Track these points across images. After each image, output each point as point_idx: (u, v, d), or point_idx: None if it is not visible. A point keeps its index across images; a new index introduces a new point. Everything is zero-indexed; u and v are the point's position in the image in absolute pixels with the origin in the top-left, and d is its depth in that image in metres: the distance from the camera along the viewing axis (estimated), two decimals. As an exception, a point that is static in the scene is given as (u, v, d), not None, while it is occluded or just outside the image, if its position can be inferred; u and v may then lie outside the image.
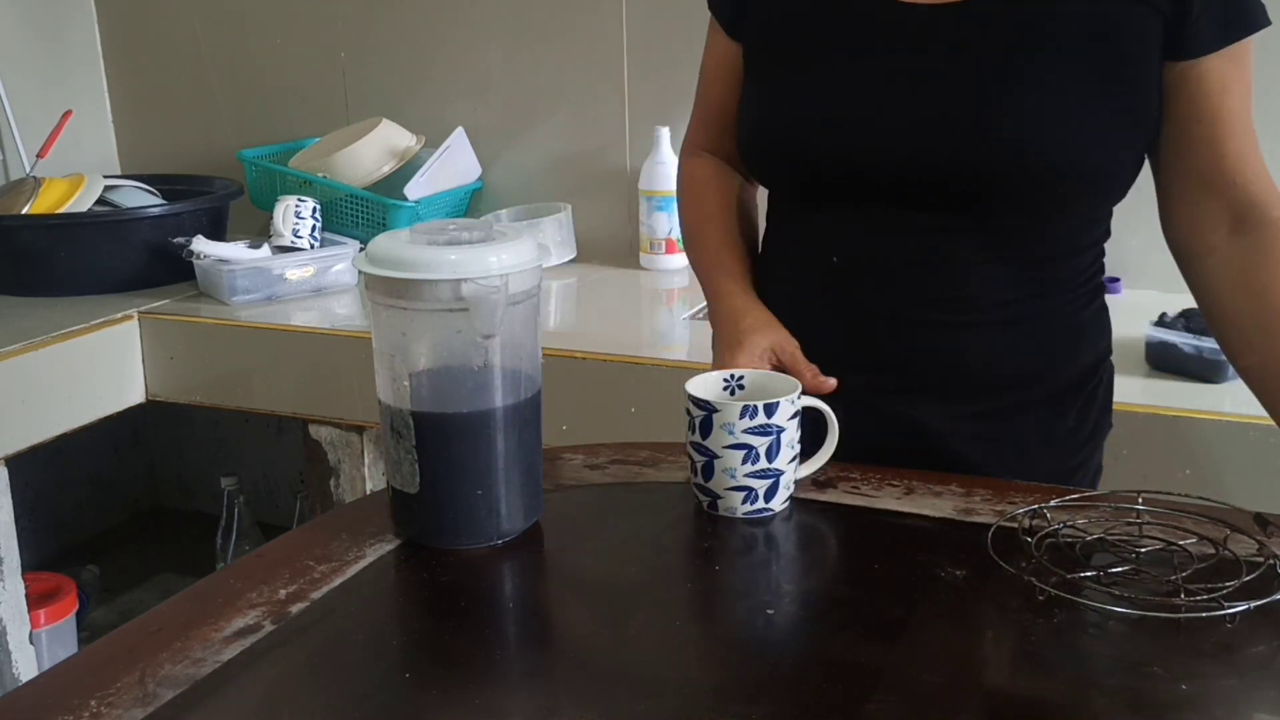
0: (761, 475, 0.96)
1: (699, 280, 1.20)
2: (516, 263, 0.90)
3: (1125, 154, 1.04)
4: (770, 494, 0.97)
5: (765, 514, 0.98)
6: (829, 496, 1.01)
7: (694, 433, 0.97)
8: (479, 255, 0.89)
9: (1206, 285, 1.07)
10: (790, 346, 1.07)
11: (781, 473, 0.97)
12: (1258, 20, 1.01)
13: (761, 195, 1.23)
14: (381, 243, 0.92)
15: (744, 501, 0.97)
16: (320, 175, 2.33)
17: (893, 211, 1.04)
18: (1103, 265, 1.13)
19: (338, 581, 0.89)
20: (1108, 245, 1.14)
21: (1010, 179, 1.00)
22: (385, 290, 0.91)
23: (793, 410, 0.96)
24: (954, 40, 1.02)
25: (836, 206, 1.08)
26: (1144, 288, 1.93)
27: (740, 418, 0.95)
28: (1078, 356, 1.11)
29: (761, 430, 0.95)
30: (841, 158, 1.05)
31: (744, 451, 0.96)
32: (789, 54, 1.09)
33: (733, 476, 0.97)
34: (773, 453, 0.96)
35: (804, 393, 0.98)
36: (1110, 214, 1.10)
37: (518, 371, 0.94)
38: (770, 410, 0.95)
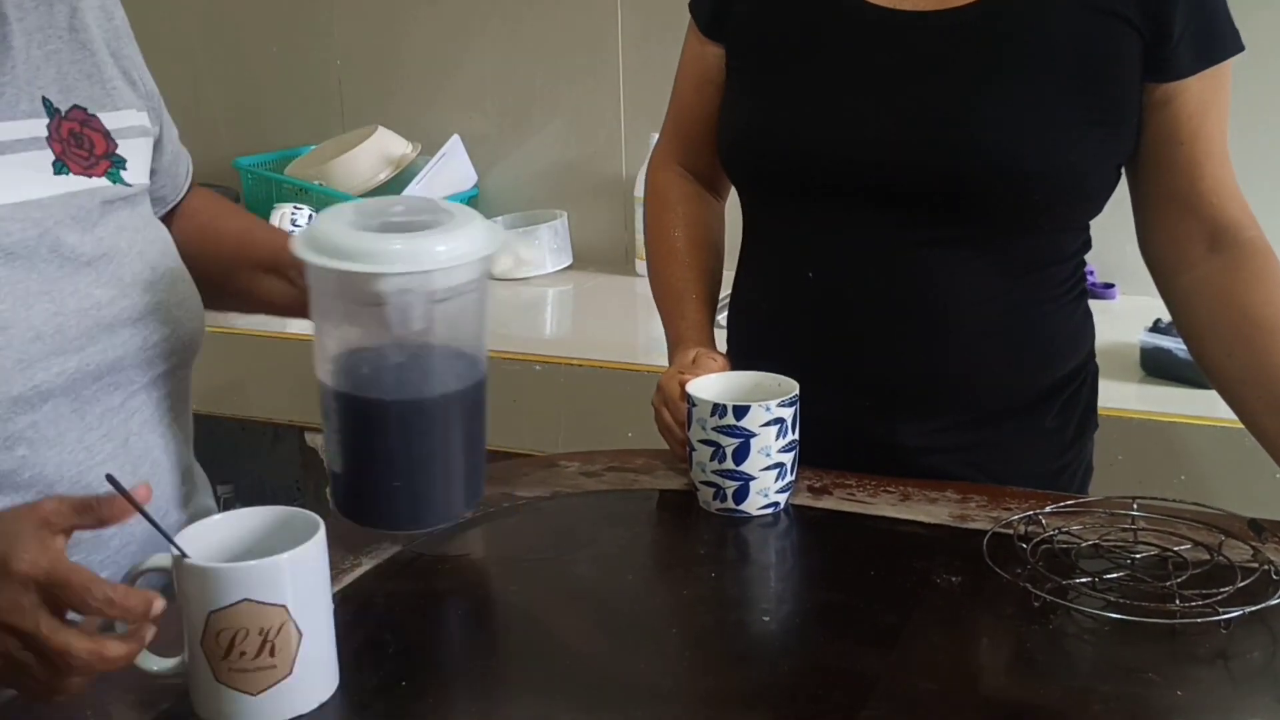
0: (729, 475, 0.97)
1: (660, 314, 1.19)
2: (447, 256, 0.82)
3: (1102, 168, 1.05)
4: (740, 496, 0.98)
5: (738, 515, 0.98)
6: (825, 503, 1.01)
7: (688, 424, 1.00)
8: (409, 246, 0.81)
9: (1183, 298, 1.09)
10: (714, 362, 1.07)
11: (751, 477, 0.97)
12: (1233, 45, 1.04)
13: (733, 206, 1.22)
14: (320, 223, 0.85)
15: (714, 498, 0.99)
16: (316, 183, 2.33)
17: (874, 223, 1.04)
18: (1084, 274, 1.13)
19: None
20: (1103, 251, 1.14)
21: (987, 187, 1.01)
22: (320, 276, 0.85)
23: (767, 417, 0.96)
24: (936, 48, 1.02)
25: (814, 217, 1.08)
26: (1139, 294, 1.93)
27: (710, 415, 0.97)
28: (1058, 364, 1.11)
29: (729, 431, 0.96)
30: (822, 164, 1.05)
31: (712, 449, 0.97)
32: (771, 60, 1.09)
33: (703, 471, 0.98)
34: (741, 455, 0.96)
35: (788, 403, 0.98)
36: (1088, 226, 1.11)
37: (451, 364, 0.88)
38: (739, 413, 0.96)
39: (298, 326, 2.06)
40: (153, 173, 1.03)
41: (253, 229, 1.12)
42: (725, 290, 1.21)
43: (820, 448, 1.04)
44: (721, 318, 1.26)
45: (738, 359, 1.15)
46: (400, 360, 0.87)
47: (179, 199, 1.09)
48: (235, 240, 1.08)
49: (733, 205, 1.23)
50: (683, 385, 1.03)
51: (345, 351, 0.88)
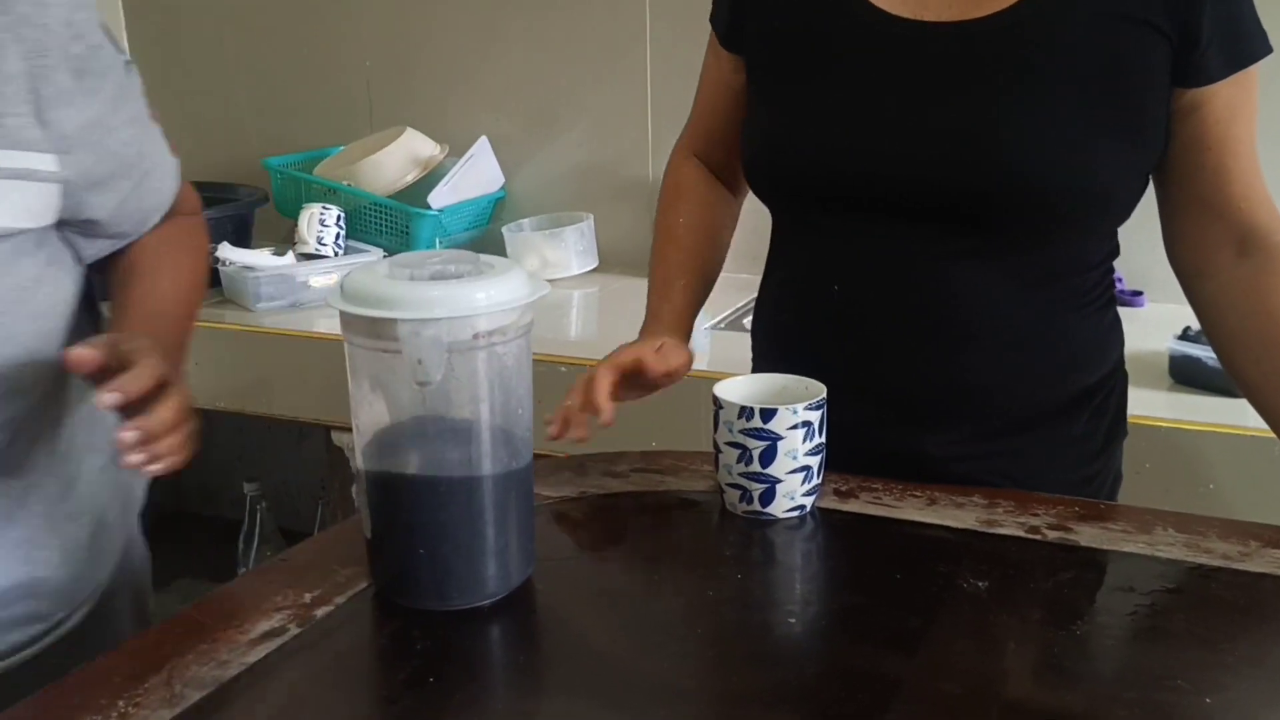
0: (756, 478, 0.98)
1: (649, 291, 1.21)
2: (461, 304, 0.80)
3: (1130, 177, 1.04)
4: (767, 499, 0.98)
5: (764, 518, 0.99)
6: (851, 507, 1.01)
7: (714, 426, 1.00)
8: (424, 294, 0.80)
9: (1211, 304, 1.08)
10: (670, 354, 1.09)
11: (778, 480, 0.97)
12: (1262, 48, 1.02)
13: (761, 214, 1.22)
14: (355, 276, 0.84)
15: (741, 500, 0.99)
16: (345, 183, 2.35)
17: (897, 235, 1.04)
18: (1112, 281, 1.13)
19: (362, 586, 0.89)
20: (1131, 258, 1.13)
21: (1014, 201, 1.00)
22: (346, 327, 0.85)
23: (794, 420, 0.96)
24: (959, 60, 1.01)
25: (837, 229, 1.07)
26: (1167, 301, 1.92)
27: (737, 417, 0.97)
28: (1085, 372, 1.10)
29: (756, 434, 0.96)
30: (844, 178, 1.05)
31: (739, 451, 0.98)
32: (791, 71, 1.09)
33: (730, 473, 0.99)
34: (768, 458, 0.97)
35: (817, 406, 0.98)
36: (1116, 232, 1.11)
37: (487, 439, 0.85)
38: (766, 416, 0.96)
39: (325, 325, 2.08)
40: (92, 222, 1.01)
41: (123, 318, 1.03)
42: (747, 296, 1.22)
43: (845, 457, 1.04)
44: (746, 322, 1.26)
45: (763, 367, 1.16)
46: (431, 435, 0.84)
47: (143, 232, 1.09)
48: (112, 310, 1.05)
49: (754, 213, 1.23)
50: (631, 361, 1.05)
51: (376, 426, 0.85)
